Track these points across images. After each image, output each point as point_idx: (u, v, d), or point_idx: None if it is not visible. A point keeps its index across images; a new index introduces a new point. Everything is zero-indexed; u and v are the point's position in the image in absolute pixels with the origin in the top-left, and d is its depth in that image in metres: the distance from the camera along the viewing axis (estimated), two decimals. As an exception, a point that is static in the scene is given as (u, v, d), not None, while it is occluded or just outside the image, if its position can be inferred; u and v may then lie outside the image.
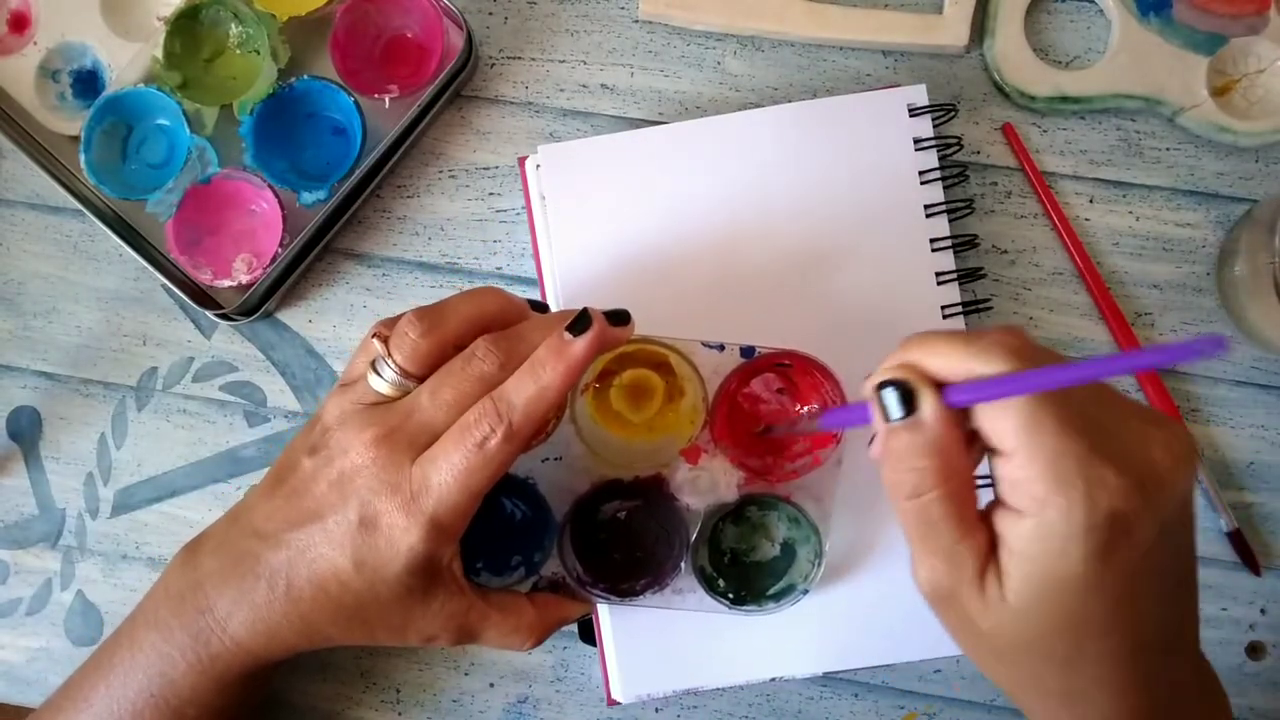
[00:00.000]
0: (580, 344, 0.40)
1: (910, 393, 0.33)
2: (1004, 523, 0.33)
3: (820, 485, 0.48)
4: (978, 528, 0.34)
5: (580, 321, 0.40)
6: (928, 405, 0.33)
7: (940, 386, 0.33)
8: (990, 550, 0.34)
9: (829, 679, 0.52)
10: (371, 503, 0.40)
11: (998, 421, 0.32)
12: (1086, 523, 0.31)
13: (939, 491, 0.33)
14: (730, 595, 0.48)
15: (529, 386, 0.39)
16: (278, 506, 0.42)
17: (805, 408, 0.48)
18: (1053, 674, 0.35)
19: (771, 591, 0.48)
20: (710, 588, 0.48)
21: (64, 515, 0.55)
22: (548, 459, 0.47)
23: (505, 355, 0.40)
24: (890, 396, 0.33)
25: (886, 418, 0.34)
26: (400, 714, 0.53)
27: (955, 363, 0.33)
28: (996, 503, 0.34)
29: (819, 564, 0.47)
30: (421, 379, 0.41)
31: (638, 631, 0.50)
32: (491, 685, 0.53)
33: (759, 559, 0.49)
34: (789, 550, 0.49)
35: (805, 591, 0.47)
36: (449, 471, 0.39)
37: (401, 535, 0.39)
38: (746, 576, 0.49)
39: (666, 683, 0.50)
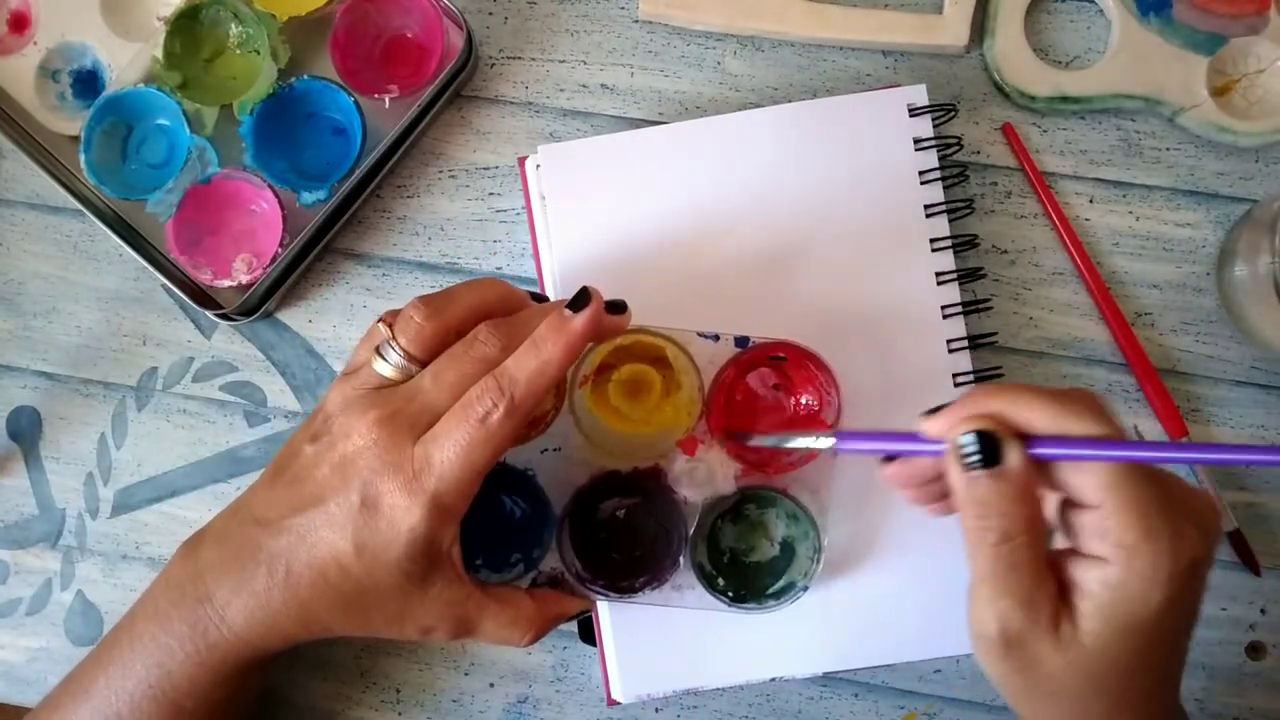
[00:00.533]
0: (580, 319, 0.41)
1: (996, 443, 0.35)
2: (1082, 569, 0.35)
3: (817, 477, 0.48)
4: (1049, 573, 0.35)
5: (580, 298, 0.41)
6: (1015, 455, 0.34)
7: (1024, 438, 0.35)
8: (1062, 593, 0.35)
9: (829, 679, 0.52)
10: (373, 483, 0.40)
11: (1083, 476, 0.34)
12: (1171, 569, 0.33)
13: (1026, 537, 0.35)
14: (730, 594, 0.48)
15: (531, 361, 0.40)
16: (279, 495, 0.42)
17: (803, 403, 0.47)
18: (1100, 709, 0.36)
19: (771, 590, 0.48)
20: (710, 586, 0.48)
21: (64, 515, 0.55)
22: (546, 450, 0.48)
23: (507, 339, 0.41)
24: (974, 444, 0.35)
25: (967, 466, 0.35)
26: (400, 714, 0.53)
27: (1046, 419, 0.34)
28: (1068, 551, 0.36)
29: (818, 560, 0.47)
30: (425, 363, 0.42)
31: (638, 631, 0.50)
32: (491, 685, 0.53)
33: (758, 559, 0.49)
34: (788, 549, 0.49)
35: (805, 588, 0.47)
36: (451, 448, 0.39)
37: (403, 515, 0.40)
38: (746, 576, 0.49)
39: (666, 683, 0.50)
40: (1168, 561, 0.33)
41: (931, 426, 0.36)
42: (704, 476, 0.47)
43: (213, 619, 0.42)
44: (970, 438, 0.35)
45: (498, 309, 0.43)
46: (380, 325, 0.43)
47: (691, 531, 0.47)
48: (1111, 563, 0.34)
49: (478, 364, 0.41)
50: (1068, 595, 0.35)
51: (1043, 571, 0.35)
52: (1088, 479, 0.34)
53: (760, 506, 0.49)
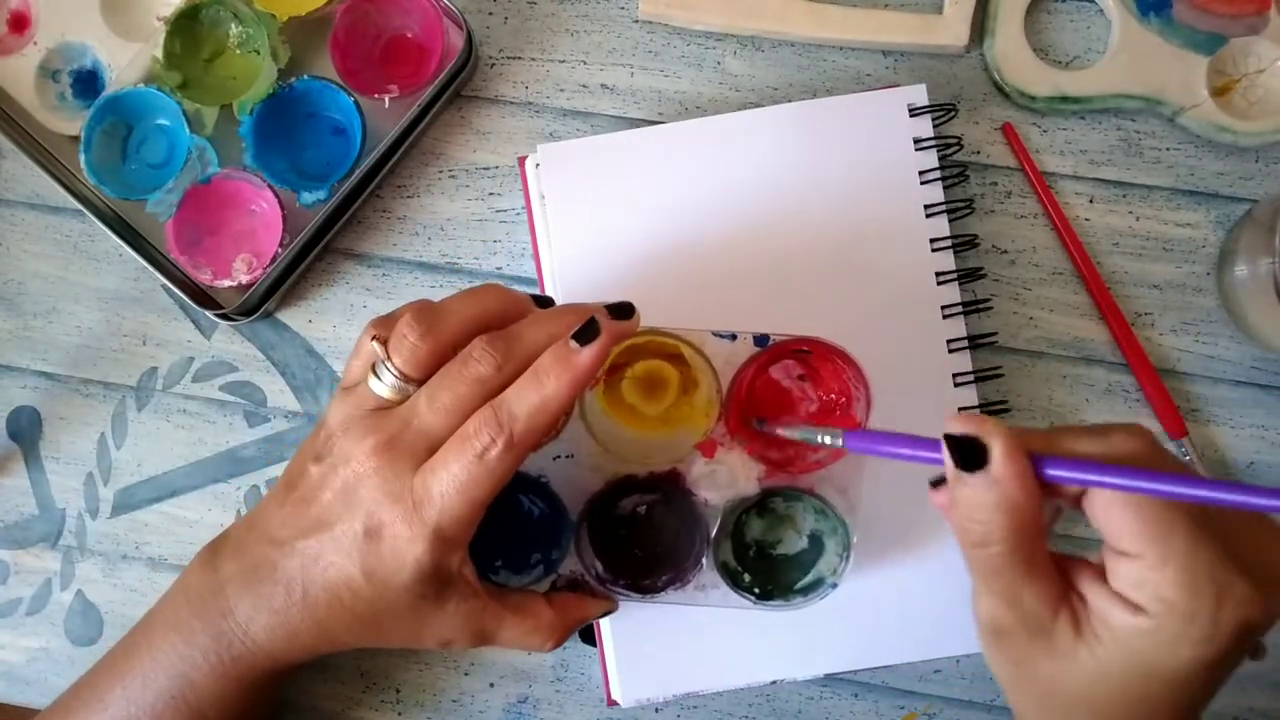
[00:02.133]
0: (586, 354, 0.39)
1: (979, 447, 0.33)
2: (1109, 605, 0.33)
3: (845, 476, 0.46)
4: (1047, 575, 0.34)
5: (587, 330, 0.39)
6: (998, 464, 0.33)
7: (1034, 456, 0.33)
8: (1061, 599, 0.34)
9: (829, 679, 0.52)
10: (375, 513, 0.39)
11: (1121, 521, 0.32)
12: (1210, 631, 0.32)
13: (1003, 546, 0.33)
14: (756, 590, 0.46)
15: (532, 397, 0.38)
16: (289, 513, 0.42)
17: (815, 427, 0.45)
18: None
19: (799, 586, 0.46)
20: (735, 583, 0.46)
21: (64, 515, 0.55)
22: (559, 456, 0.46)
23: (502, 356, 0.39)
24: (957, 448, 0.33)
25: (956, 464, 0.34)
26: (400, 714, 0.53)
27: (1074, 444, 0.33)
28: (1097, 572, 0.34)
29: (848, 557, 0.45)
30: (422, 382, 0.40)
31: (637, 635, 0.50)
32: (491, 685, 0.53)
33: (785, 552, 0.48)
34: (816, 542, 0.47)
35: (834, 585, 0.45)
36: (450, 482, 0.38)
37: (406, 546, 0.39)
38: (772, 570, 0.47)
39: (667, 687, 0.50)
40: (1206, 624, 0.32)
41: (952, 426, 0.35)
42: (725, 479, 0.46)
43: (236, 633, 0.42)
44: (955, 442, 0.34)
45: (497, 319, 0.41)
46: (374, 345, 0.41)
47: (714, 533, 0.45)
48: (1146, 612, 0.32)
49: (473, 385, 0.39)
50: (1081, 614, 0.34)
51: (1036, 574, 0.34)
52: (1128, 525, 0.32)
53: (787, 500, 0.47)
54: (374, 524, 0.39)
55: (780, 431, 0.44)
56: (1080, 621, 0.34)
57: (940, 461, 0.35)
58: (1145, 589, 0.32)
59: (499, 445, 0.38)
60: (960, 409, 0.50)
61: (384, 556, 0.39)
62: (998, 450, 0.33)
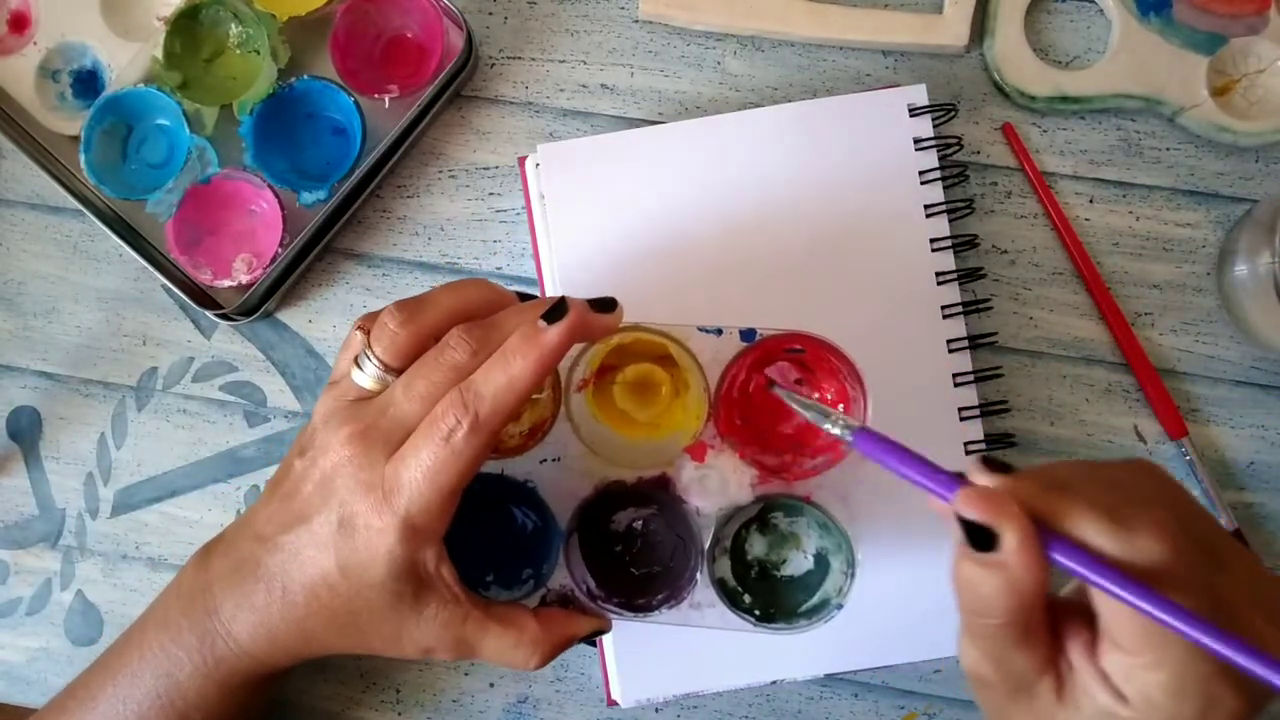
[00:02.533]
0: (553, 332, 0.38)
1: (990, 536, 0.32)
2: (1094, 686, 0.33)
3: (845, 483, 0.44)
4: (1040, 641, 0.33)
5: (556, 309, 0.38)
6: (1010, 553, 0.32)
7: (1048, 531, 0.32)
8: (1049, 663, 0.34)
9: (829, 679, 0.52)
10: (349, 504, 0.39)
11: (1122, 619, 0.32)
12: None
13: (1002, 620, 0.33)
14: (756, 612, 0.44)
15: (498, 377, 0.38)
16: (275, 509, 0.42)
17: (838, 405, 0.43)
18: None
19: (804, 608, 0.44)
20: (733, 603, 0.44)
21: (64, 515, 0.55)
22: (545, 460, 0.45)
23: (478, 343, 0.39)
24: (968, 528, 0.32)
25: (967, 542, 0.33)
26: (400, 714, 0.53)
27: (1094, 536, 0.32)
28: (1088, 646, 0.34)
29: (852, 574, 0.43)
30: (402, 371, 0.40)
31: (637, 635, 0.50)
32: (491, 685, 0.53)
33: (791, 573, 0.46)
34: (822, 561, 0.45)
35: (840, 607, 0.43)
36: (418, 468, 0.38)
37: (378, 538, 0.38)
38: (775, 592, 0.45)
39: (667, 687, 0.50)
40: None
41: (979, 479, 0.34)
42: (716, 485, 0.44)
43: (220, 632, 0.42)
44: (969, 516, 0.33)
45: (480, 311, 0.41)
46: (357, 333, 0.41)
47: (707, 545, 0.44)
48: (1129, 703, 0.32)
49: (448, 372, 0.38)
50: (1066, 680, 0.34)
51: (1027, 643, 0.33)
52: (1130, 624, 0.31)
53: (789, 515, 0.46)
54: (348, 515, 0.39)
55: (788, 399, 0.40)
56: (1064, 687, 0.34)
57: (948, 500, 0.34)
58: (1133, 684, 0.32)
59: (464, 426, 0.37)
60: (960, 410, 0.50)
61: (358, 549, 0.39)
62: (1011, 542, 0.32)
